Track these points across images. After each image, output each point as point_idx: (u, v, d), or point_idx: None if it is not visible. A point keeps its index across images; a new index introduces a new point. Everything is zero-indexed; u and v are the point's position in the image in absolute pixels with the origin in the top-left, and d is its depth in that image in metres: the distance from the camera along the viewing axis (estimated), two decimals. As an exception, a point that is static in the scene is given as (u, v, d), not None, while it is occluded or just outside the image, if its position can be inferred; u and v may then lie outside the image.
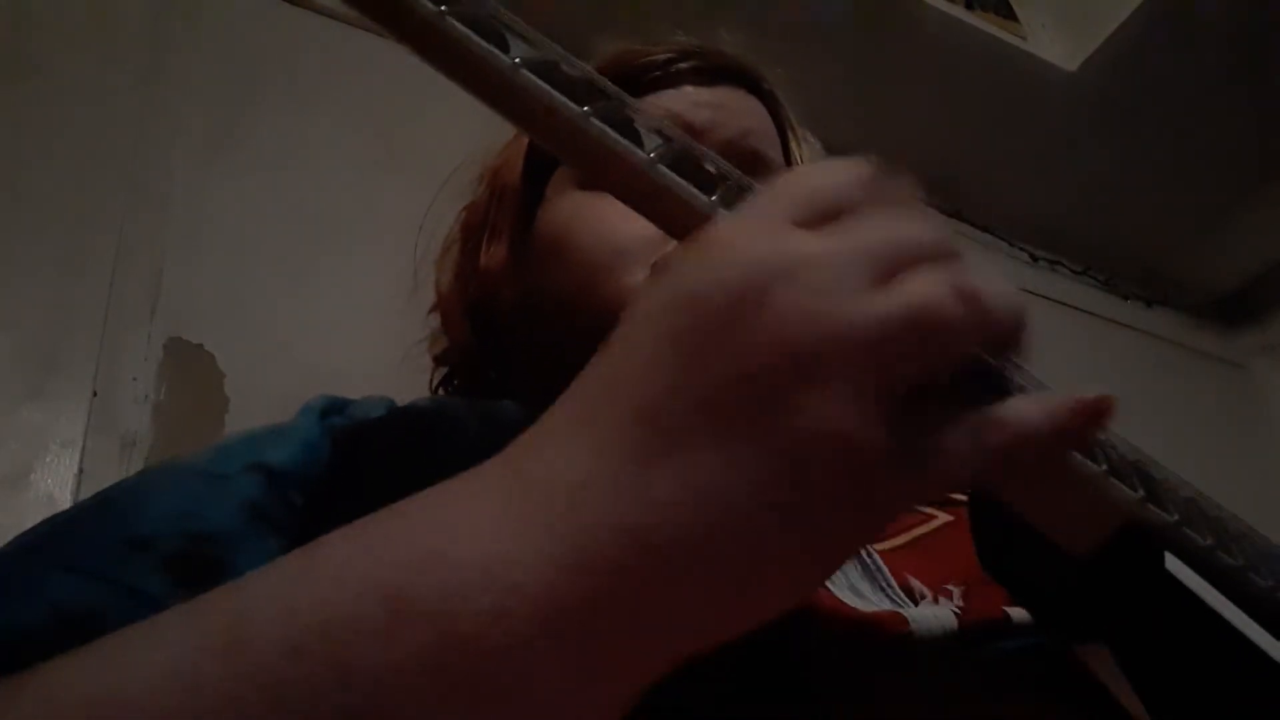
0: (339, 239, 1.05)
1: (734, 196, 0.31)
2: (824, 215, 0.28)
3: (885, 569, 0.47)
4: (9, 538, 0.43)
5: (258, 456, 0.48)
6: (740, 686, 0.36)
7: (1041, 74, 1.41)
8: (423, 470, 0.48)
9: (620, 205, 0.62)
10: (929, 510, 0.51)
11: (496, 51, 0.31)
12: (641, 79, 0.65)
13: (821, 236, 0.27)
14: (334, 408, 0.56)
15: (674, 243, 0.58)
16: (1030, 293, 1.48)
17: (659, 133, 0.32)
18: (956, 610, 0.42)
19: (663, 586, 0.26)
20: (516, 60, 0.31)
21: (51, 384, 0.88)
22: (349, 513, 0.46)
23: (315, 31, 1.15)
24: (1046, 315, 1.51)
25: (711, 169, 0.32)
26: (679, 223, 0.31)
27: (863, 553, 0.47)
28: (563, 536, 0.26)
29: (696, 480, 0.26)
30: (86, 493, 0.46)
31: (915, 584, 0.46)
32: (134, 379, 0.91)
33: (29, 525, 0.43)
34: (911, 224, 0.29)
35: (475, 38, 0.31)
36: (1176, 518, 0.30)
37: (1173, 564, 0.30)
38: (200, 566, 0.41)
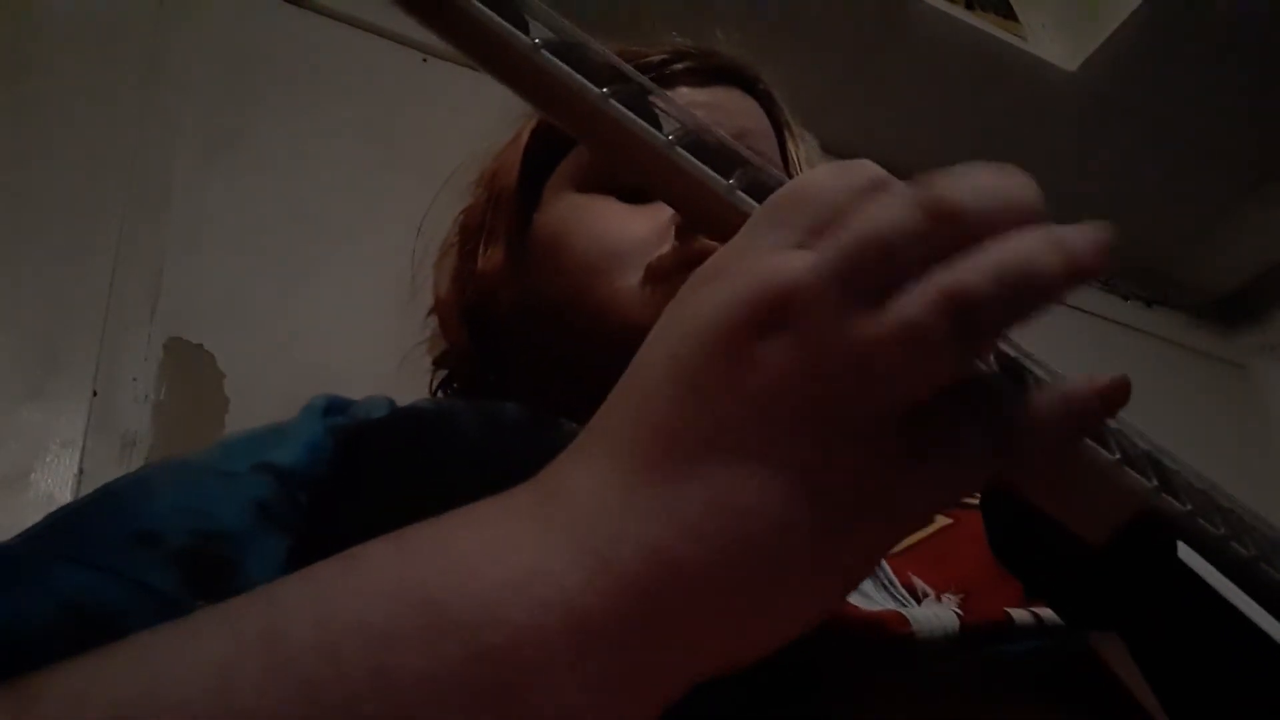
0: (339, 239, 1.05)
1: (751, 180, 0.32)
2: (823, 227, 0.28)
3: (887, 567, 0.47)
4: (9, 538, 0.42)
5: (265, 457, 0.48)
6: (744, 686, 0.36)
7: (1041, 74, 1.41)
8: (424, 472, 0.48)
9: (615, 208, 0.63)
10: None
11: (517, 32, 0.31)
12: None
13: (815, 255, 0.27)
14: (335, 407, 0.56)
15: (668, 244, 0.59)
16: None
17: (678, 117, 0.32)
18: (958, 611, 0.42)
19: (687, 603, 0.27)
20: (537, 41, 0.31)
21: (51, 384, 0.88)
22: (351, 513, 0.46)
23: (315, 31, 1.15)
24: (1046, 315, 1.51)
25: (729, 153, 0.32)
26: (697, 205, 0.31)
27: None
28: (590, 553, 0.27)
29: (716, 499, 0.27)
30: (86, 493, 0.46)
31: (918, 583, 0.46)
32: (134, 379, 0.91)
33: (29, 525, 0.43)
34: (907, 226, 0.28)
35: (496, 18, 0.31)
36: (1190, 507, 0.30)
37: (1186, 553, 0.30)
38: (209, 563, 0.41)
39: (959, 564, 0.46)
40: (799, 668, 0.37)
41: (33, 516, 0.43)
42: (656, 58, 0.66)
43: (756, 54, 0.71)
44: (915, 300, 0.26)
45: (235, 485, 0.46)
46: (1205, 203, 1.61)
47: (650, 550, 0.27)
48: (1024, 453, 0.27)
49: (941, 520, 0.50)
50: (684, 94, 0.66)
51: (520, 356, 0.66)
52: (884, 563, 0.47)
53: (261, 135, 1.07)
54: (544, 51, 0.31)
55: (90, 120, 0.99)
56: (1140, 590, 0.31)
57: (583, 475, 0.29)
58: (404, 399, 0.61)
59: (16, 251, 0.91)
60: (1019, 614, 0.42)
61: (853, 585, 0.31)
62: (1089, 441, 0.28)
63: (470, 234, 0.72)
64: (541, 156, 0.69)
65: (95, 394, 0.89)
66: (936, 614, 0.40)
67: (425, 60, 1.20)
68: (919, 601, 0.46)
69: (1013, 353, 0.29)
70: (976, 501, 0.52)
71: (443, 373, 0.74)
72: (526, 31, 0.31)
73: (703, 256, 0.56)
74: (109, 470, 0.85)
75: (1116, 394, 0.27)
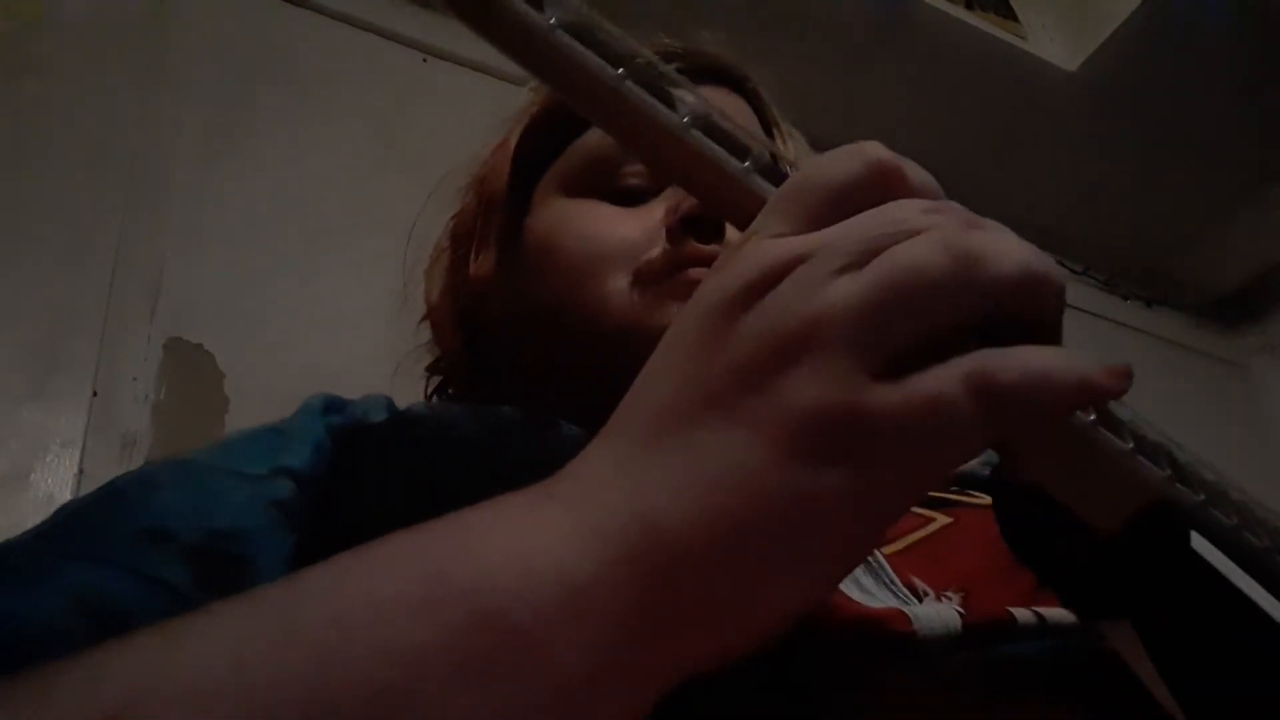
0: (339, 239, 1.05)
1: (763, 163, 0.32)
2: (829, 213, 0.29)
3: (888, 566, 0.47)
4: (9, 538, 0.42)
5: (281, 460, 0.48)
6: (742, 685, 0.36)
7: (1041, 74, 1.41)
8: (423, 475, 0.48)
9: (605, 210, 0.63)
10: (926, 513, 0.50)
11: (533, 11, 0.31)
12: None
13: (817, 234, 0.29)
14: (332, 406, 0.56)
15: (658, 247, 0.59)
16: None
17: (692, 99, 0.32)
18: (960, 610, 0.42)
19: (680, 572, 0.27)
20: (553, 21, 0.31)
21: (51, 384, 0.88)
22: (351, 516, 0.46)
23: (315, 31, 1.15)
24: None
25: (741, 140, 0.32)
26: (711, 187, 0.32)
27: None
28: (585, 524, 0.28)
29: (704, 467, 0.27)
30: (86, 493, 0.46)
31: (918, 583, 0.46)
32: (134, 379, 0.91)
33: (29, 525, 0.43)
34: (909, 201, 0.30)
35: None
36: (1203, 497, 0.30)
37: (1198, 543, 0.30)
38: (222, 561, 0.41)
39: (959, 563, 0.46)
40: (798, 667, 0.36)
41: (33, 516, 0.43)
42: None
43: (748, 53, 0.71)
44: (907, 247, 0.27)
45: (255, 487, 0.46)
46: (1205, 203, 1.61)
47: (640, 518, 0.27)
48: (997, 398, 0.26)
49: (941, 519, 0.50)
50: None
51: (514, 361, 0.66)
52: (885, 562, 0.47)
53: (261, 135, 1.07)
54: (560, 31, 0.31)
55: (90, 120, 0.99)
56: (1153, 579, 0.31)
57: (588, 456, 0.30)
58: (404, 397, 0.60)
59: (16, 251, 0.91)
60: (1021, 613, 0.42)
61: (848, 562, 0.31)
62: (1103, 430, 0.28)
63: (461, 240, 0.72)
64: (530, 161, 0.69)
65: (95, 394, 0.89)
66: (939, 613, 0.40)
67: (425, 60, 1.20)
68: (920, 601, 0.45)
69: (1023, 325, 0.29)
70: (978, 501, 0.52)
71: (436, 379, 0.74)
72: (542, 10, 0.31)
73: (693, 258, 0.57)
74: (109, 470, 0.85)
75: (1113, 381, 0.27)
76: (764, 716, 0.36)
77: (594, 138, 0.66)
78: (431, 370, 0.74)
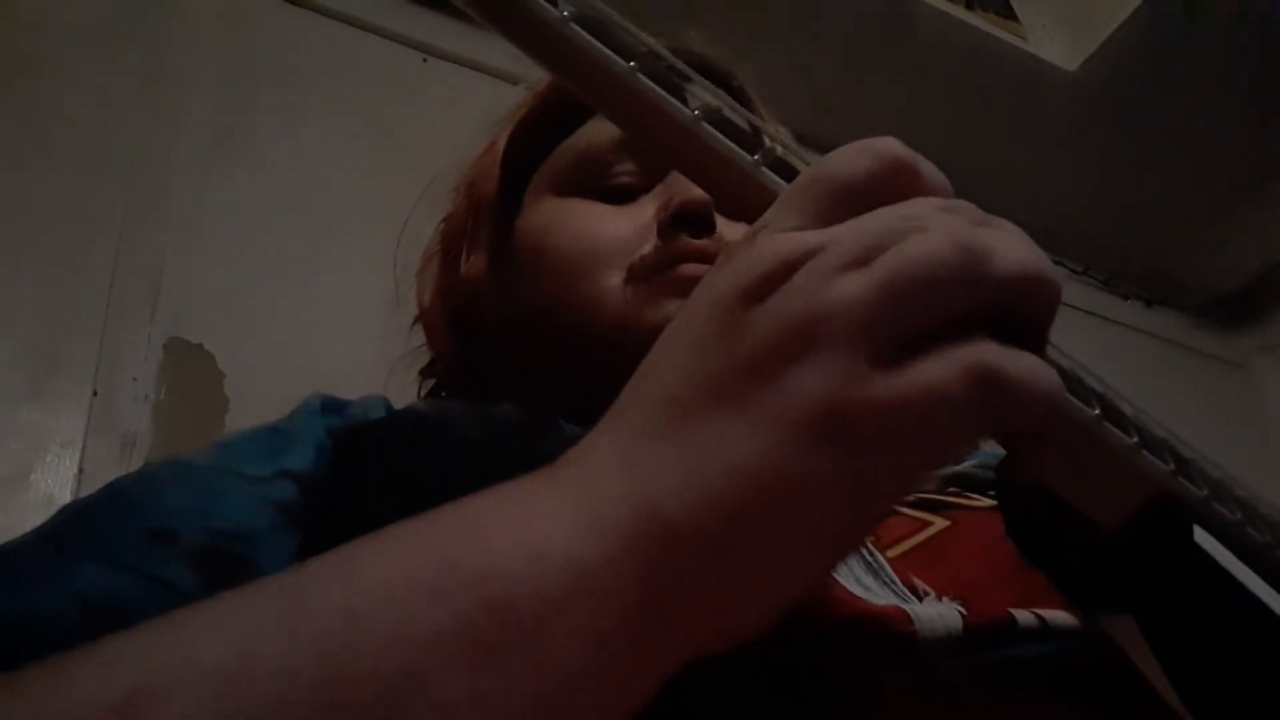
0: (339, 239, 1.05)
1: (774, 157, 0.32)
2: (840, 208, 0.30)
3: (887, 565, 0.47)
4: (10, 538, 0.42)
5: (283, 462, 0.48)
6: (744, 682, 0.36)
7: (1041, 74, 1.41)
8: (423, 473, 0.48)
9: (596, 209, 0.63)
10: (924, 516, 0.50)
11: (547, 5, 0.31)
12: None
13: (828, 230, 0.29)
14: (331, 407, 0.55)
15: (651, 244, 0.59)
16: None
17: (703, 93, 0.32)
18: (962, 610, 0.42)
19: (674, 555, 0.27)
20: (566, 14, 0.32)
21: (51, 384, 0.87)
22: (351, 515, 0.46)
23: (315, 31, 1.15)
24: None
25: (751, 134, 0.32)
26: (721, 180, 0.32)
27: (864, 550, 0.46)
28: (587, 509, 0.28)
29: (706, 456, 0.28)
30: (86, 493, 0.46)
31: (919, 583, 0.46)
32: (134, 379, 0.91)
33: (29, 525, 0.43)
34: (922, 199, 0.30)
35: None
36: (1206, 492, 0.30)
37: (1201, 537, 0.30)
38: (226, 562, 0.41)
39: (958, 566, 0.46)
40: (799, 665, 0.36)
41: (33, 516, 0.43)
42: None
43: (747, 54, 0.71)
44: (914, 241, 0.27)
45: (257, 488, 0.46)
46: (1205, 203, 1.61)
47: (642, 505, 0.28)
48: (1010, 413, 0.27)
49: (940, 523, 0.50)
50: None
51: (508, 362, 0.66)
52: (884, 561, 0.47)
53: (261, 135, 1.07)
54: (573, 25, 0.32)
55: (90, 120, 0.99)
56: (1156, 574, 0.31)
57: (591, 444, 0.31)
58: (398, 402, 0.60)
59: (16, 251, 0.91)
60: (1023, 615, 0.42)
61: (843, 547, 0.32)
62: (1107, 425, 0.28)
63: (452, 242, 0.72)
64: (520, 162, 0.69)
65: (95, 394, 0.88)
66: (940, 613, 0.40)
67: (425, 60, 1.20)
68: (920, 600, 0.45)
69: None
70: (977, 504, 0.52)
71: (430, 383, 0.74)
72: (555, 5, 0.31)
73: (686, 253, 0.57)
74: (109, 470, 0.85)
75: None
76: (763, 716, 0.36)
77: (583, 137, 0.66)
78: (425, 374, 0.74)
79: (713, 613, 0.28)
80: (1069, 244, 1.62)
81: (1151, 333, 1.70)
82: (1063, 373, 0.29)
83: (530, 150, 0.68)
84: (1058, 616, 0.41)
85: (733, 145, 0.32)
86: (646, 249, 0.58)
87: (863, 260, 0.28)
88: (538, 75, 0.70)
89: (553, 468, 0.31)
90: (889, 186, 0.30)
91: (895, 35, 1.36)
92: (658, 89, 0.32)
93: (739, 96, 0.70)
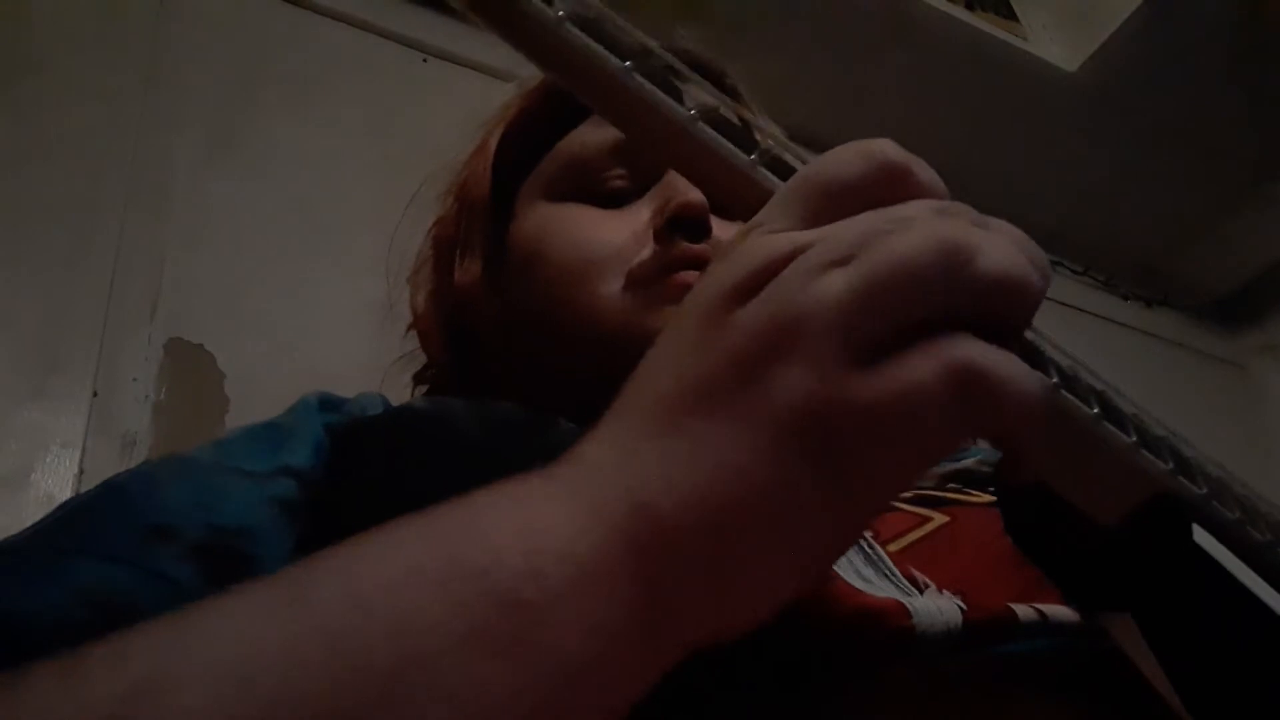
0: (340, 239, 1.05)
1: (770, 156, 0.32)
2: (832, 209, 0.30)
3: (887, 558, 0.47)
4: (9, 538, 0.42)
5: (283, 459, 0.48)
6: (743, 677, 0.36)
7: (1041, 74, 1.41)
8: (422, 470, 0.48)
9: (591, 214, 0.63)
10: (923, 512, 0.50)
11: (542, 5, 0.31)
12: None
13: (816, 230, 0.30)
14: (328, 404, 0.56)
15: (648, 249, 0.59)
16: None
17: (699, 93, 0.32)
18: (961, 605, 0.42)
19: (667, 551, 0.28)
20: (561, 14, 0.32)
21: (51, 384, 0.87)
22: (349, 515, 0.46)
23: (315, 31, 1.15)
24: (1046, 315, 1.51)
25: (749, 131, 0.32)
26: (718, 180, 0.32)
27: (863, 543, 0.47)
28: (584, 504, 0.29)
29: (697, 452, 0.28)
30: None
31: (919, 576, 0.46)
32: (134, 379, 0.90)
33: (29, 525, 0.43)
34: (917, 201, 0.30)
35: None
36: (1205, 491, 0.30)
37: (1201, 536, 0.30)
38: (227, 559, 0.42)
39: (957, 562, 0.46)
40: (798, 659, 0.36)
41: (33, 516, 0.43)
42: None
43: (748, 53, 0.71)
44: (895, 239, 0.27)
45: (258, 485, 0.46)
46: (1205, 203, 1.61)
47: (635, 501, 0.28)
48: (989, 412, 0.27)
49: (939, 519, 0.50)
50: None
51: (504, 367, 0.66)
52: (884, 554, 0.47)
53: (261, 135, 1.06)
54: (569, 25, 0.32)
55: (90, 120, 0.99)
56: (1155, 572, 0.31)
57: (592, 441, 0.31)
58: (398, 398, 0.60)
59: (16, 251, 0.91)
60: (1023, 610, 0.42)
61: (836, 547, 0.32)
62: (1107, 424, 0.28)
63: (444, 246, 0.72)
64: (511, 165, 0.68)
65: (95, 394, 0.88)
66: (940, 607, 0.40)
67: (425, 60, 1.20)
68: (920, 593, 0.45)
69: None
70: (977, 499, 0.52)
71: (423, 389, 0.74)
72: (551, 4, 0.31)
73: (683, 259, 0.57)
74: (109, 470, 0.84)
75: None
76: (762, 710, 0.37)
77: (575, 141, 0.65)
78: (418, 379, 0.74)
79: (709, 606, 0.29)
80: (1069, 244, 1.62)
81: (1151, 333, 1.70)
82: (1062, 371, 0.29)
83: (521, 152, 0.68)
84: (1058, 611, 0.41)
85: (729, 144, 0.32)
86: (644, 255, 0.58)
87: (846, 260, 0.28)
88: (531, 74, 0.70)
89: (552, 466, 0.31)
90: (882, 188, 0.30)
91: (895, 35, 1.35)
92: (653, 89, 0.32)
93: (732, 95, 0.70)
